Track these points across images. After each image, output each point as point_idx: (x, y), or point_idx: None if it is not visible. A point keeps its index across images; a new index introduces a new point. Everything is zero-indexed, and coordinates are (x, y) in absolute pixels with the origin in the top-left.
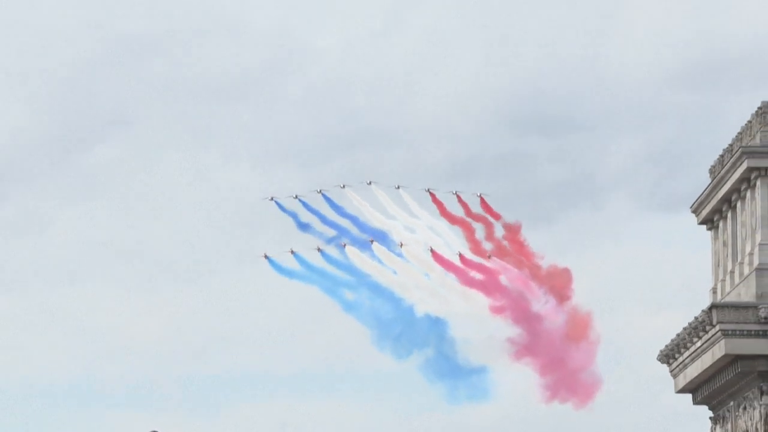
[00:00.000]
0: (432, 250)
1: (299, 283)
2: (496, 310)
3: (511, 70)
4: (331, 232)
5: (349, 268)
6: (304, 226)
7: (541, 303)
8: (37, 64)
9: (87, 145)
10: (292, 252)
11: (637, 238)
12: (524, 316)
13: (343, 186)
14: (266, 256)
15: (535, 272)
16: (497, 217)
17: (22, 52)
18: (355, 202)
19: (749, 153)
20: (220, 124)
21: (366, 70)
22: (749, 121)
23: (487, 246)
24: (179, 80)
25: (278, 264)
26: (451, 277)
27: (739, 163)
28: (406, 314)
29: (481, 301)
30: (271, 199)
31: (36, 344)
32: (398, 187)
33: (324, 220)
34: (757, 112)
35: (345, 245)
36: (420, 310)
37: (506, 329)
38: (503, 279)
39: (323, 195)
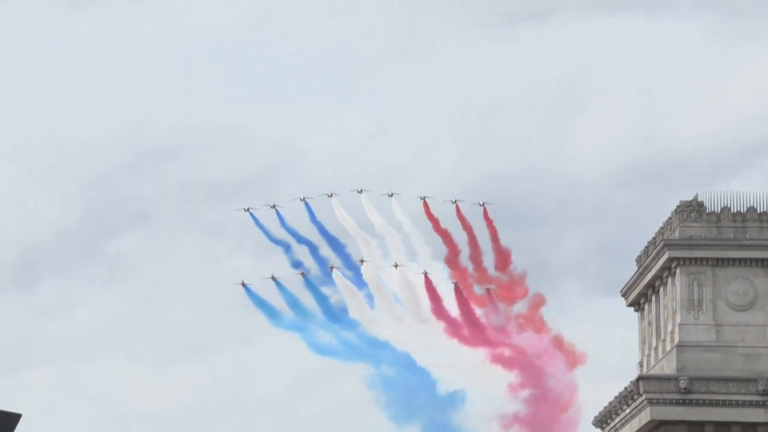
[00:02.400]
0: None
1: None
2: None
3: (483, 169)
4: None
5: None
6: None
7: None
8: (71, 168)
9: (112, 237)
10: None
11: (582, 318)
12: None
13: (330, 195)
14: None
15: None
16: (494, 231)
17: (59, 158)
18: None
19: (670, 245)
20: (228, 220)
21: (355, 170)
22: (670, 218)
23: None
24: (192, 183)
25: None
26: (479, 352)
27: (661, 253)
28: (428, 387)
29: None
30: (272, 278)
31: (64, 412)
32: (391, 195)
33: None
34: (676, 209)
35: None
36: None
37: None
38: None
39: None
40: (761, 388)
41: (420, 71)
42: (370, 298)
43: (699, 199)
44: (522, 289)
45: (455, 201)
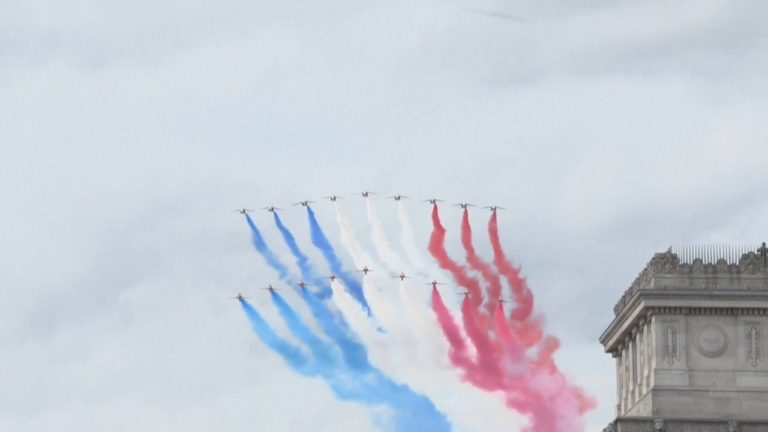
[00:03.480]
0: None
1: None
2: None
3: (476, 222)
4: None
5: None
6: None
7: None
8: (88, 221)
9: (125, 286)
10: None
11: (566, 364)
12: None
13: (334, 198)
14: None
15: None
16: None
17: (77, 211)
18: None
19: (646, 295)
20: (234, 269)
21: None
22: (646, 269)
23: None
24: (202, 234)
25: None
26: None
27: (638, 303)
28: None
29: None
30: (270, 288)
31: None
32: (398, 198)
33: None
34: (652, 261)
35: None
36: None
37: None
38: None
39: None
40: (731, 429)
41: (419, 130)
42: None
43: (673, 252)
44: (537, 332)
45: (464, 205)
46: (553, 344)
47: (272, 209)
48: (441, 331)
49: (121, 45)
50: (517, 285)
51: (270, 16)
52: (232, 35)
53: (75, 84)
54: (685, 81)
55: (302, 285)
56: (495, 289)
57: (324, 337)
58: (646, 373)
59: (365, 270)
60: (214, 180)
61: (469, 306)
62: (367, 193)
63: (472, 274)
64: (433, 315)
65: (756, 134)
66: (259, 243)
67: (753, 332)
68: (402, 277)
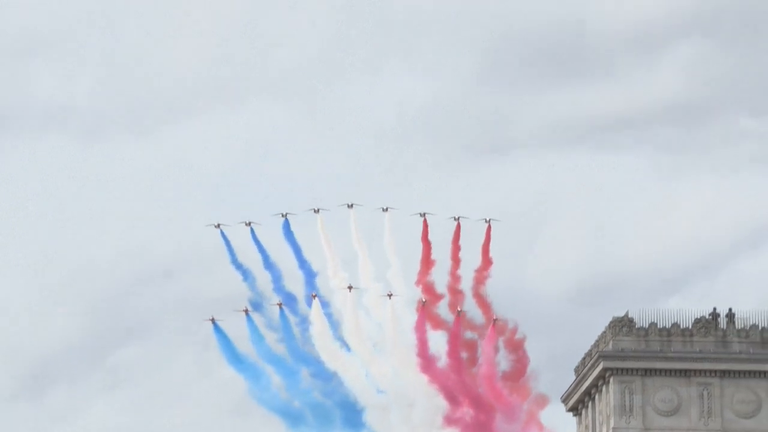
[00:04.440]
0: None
1: None
2: None
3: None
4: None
5: None
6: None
7: None
8: (79, 287)
9: (114, 349)
10: None
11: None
12: None
13: (317, 210)
14: None
15: None
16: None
17: (69, 277)
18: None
19: (604, 356)
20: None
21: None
22: (604, 332)
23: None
24: (188, 299)
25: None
26: None
27: (597, 364)
28: None
29: None
30: (245, 311)
31: None
32: (386, 209)
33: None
34: (610, 324)
35: None
36: None
37: None
38: None
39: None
40: None
41: (396, 198)
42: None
43: (630, 316)
44: (526, 389)
45: (457, 218)
46: (542, 401)
47: (249, 224)
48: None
49: (115, 118)
50: (514, 346)
51: (257, 90)
52: (220, 108)
53: (71, 155)
54: (646, 154)
55: (280, 306)
56: (490, 349)
57: (318, 397)
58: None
59: (349, 287)
60: (203, 246)
61: (460, 363)
62: (352, 204)
63: (468, 335)
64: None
65: (713, 205)
66: (235, 261)
67: (705, 393)
68: (390, 296)
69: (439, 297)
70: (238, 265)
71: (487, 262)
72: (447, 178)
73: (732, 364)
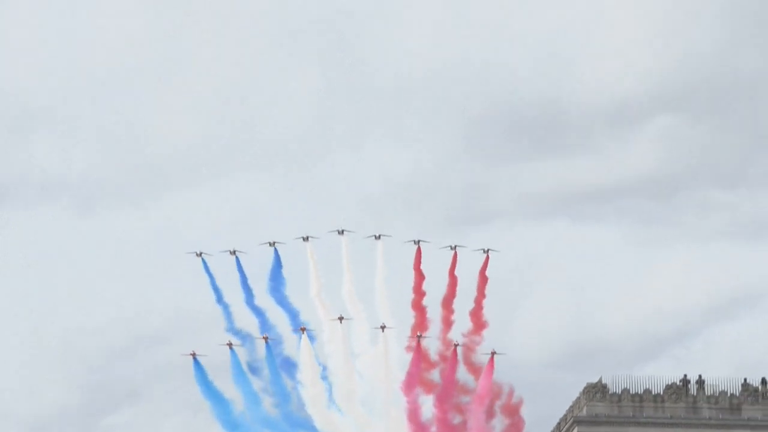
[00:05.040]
0: None
1: None
2: None
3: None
4: None
5: None
6: None
7: None
8: (74, 352)
9: (106, 413)
10: None
11: None
12: None
13: (307, 238)
14: None
15: None
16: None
17: (63, 342)
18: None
19: (578, 421)
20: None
21: None
22: (578, 397)
23: None
24: (179, 364)
25: None
26: None
27: (571, 429)
28: None
29: None
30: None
31: None
32: (378, 237)
33: None
34: (584, 390)
35: None
36: None
37: None
38: None
39: None
40: None
41: (381, 267)
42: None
43: (603, 382)
44: None
45: (454, 247)
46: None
47: (234, 252)
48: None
49: (108, 190)
50: (511, 410)
51: (245, 161)
52: (211, 179)
53: (66, 225)
54: (623, 225)
55: (266, 339)
56: (489, 415)
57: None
58: None
59: (340, 318)
60: (194, 313)
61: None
62: (342, 231)
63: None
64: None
65: (687, 274)
66: (217, 294)
67: None
68: (383, 328)
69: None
70: (236, 332)
71: (480, 324)
72: (427, 248)
73: (702, 429)
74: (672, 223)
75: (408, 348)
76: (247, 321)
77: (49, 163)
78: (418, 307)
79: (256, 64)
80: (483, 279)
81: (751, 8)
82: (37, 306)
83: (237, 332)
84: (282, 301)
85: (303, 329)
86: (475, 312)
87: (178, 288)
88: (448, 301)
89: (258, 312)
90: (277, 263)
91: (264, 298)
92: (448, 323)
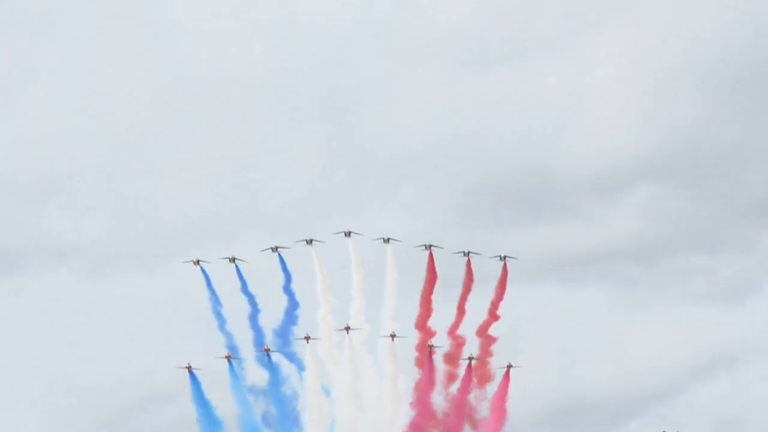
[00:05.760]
0: None
1: None
2: None
3: None
4: None
5: None
6: None
7: None
8: (84, 410)
9: None
10: None
11: None
12: None
13: (310, 241)
14: None
15: None
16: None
17: (74, 400)
18: None
19: None
20: None
21: None
22: None
23: None
24: (185, 421)
25: None
26: None
27: None
28: None
29: None
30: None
31: None
32: (387, 240)
33: None
34: None
35: None
36: None
37: None
38: None
39: None
40: None
41: (375, 321)
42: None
43: None
44: None
45: (467, 253)
46: None
47: (233, 260)
48: None
49: (119, 255)
50: None
51: (248, 228)
52: (214, 245)
53: (78, 289)
54: (608, 288)
55: (268, 351)
56: None
57: None
58: None
59: (347, 328)
60: (200, 372)
61: None
62: (350, 233)
63: None
64: None
65: (669, 335)
66: (216, 304)
67: None
68: (393, 336)
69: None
70: (241, 391)
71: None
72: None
73: None
74: (655, 287)
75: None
76: (259, 375)
77: (63, 230)
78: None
79: (260, 138)
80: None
81: (730, 85)
82: (50, 365)
83: (251, 389)
84: (292, 357)
85: (307, 338)
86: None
87: (185, 347)
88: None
89: (272, 368)
90: (291, 313)
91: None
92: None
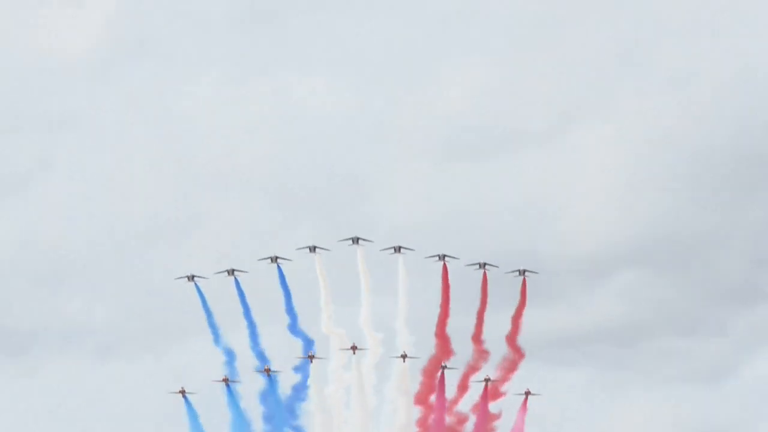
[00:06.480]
0: None
1: None
2: None
3: None
4: None
5: None
6: None
7: None
8: None
9: None
10: None
11: None
12: None
13: (313, 248)
14: None
15: None
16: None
17: None
18: None
19: None
20: None
21: None
22: None
23: None
24: None
25: None
26: None
27: None
28: None
29: None
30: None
31: None
32: (399, 250)
33: None
34: None
35: None
36: None
37: None
38: None
39: None
40: None
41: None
42: None
43: None
44: None
45: (484, 265)
46: None
47: (232, 272)
48: None
49: (127, 337)
50: None
51: (252, 313)
52: (222, 327)
53: (88, 370)
54: (590, 369)
55: (268, 372)
56: None
57: None
58: None
59: (353, 348)
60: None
61: None
62: (357, 240)
63: None
64: None
65: (649, 415)
66: (211, 323)
67: None
68: (404, 357)
69: None
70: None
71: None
72: None
73: None
74: (635, 368)
75: None
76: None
77: (73, 314)
78: None
79: (256, 222)
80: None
81: (706, 176)
82: None
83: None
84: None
85: (311, 356)
86: None
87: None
88: None
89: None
90: (301, 386)
91: None
92: None
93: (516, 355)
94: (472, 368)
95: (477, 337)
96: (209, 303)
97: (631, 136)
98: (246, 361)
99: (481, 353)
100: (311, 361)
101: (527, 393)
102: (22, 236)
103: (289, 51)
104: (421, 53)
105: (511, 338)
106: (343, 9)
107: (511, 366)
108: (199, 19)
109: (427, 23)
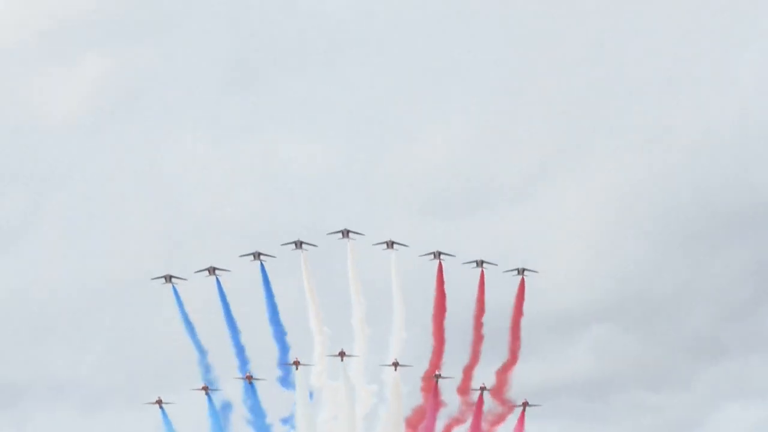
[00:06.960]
0: None
1: None
2: None
3: None
4: None
5: None
6: None
7: None
8: None
9: None
10: None
11: None
12: None
13: (299, 244)
14: None
15: None
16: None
17: None
18: None
19: None
20: None
21: None
22: None
23: None
24: None
25: None
26: None
27: None
28: None
29: None
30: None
31: None
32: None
33: None
34: None
35: None
36: None
37: None
38: None
39: None
40: None
41: None
42: None
43: None
44: None
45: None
46: None
47: (213, 270)
48: None
49: (113, 392)
50: None
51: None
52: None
53: (76, 422)
54: (562, 422)
55: (250, 379)
56: None
57: None
58: None
59: (341, 354)
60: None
61: None
62: (348, 232)
63: None
64: None
65: None
66: (189, 328)
67: None
68: (395, 365)
69: None
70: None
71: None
72: None
73: None
74: (605, 422)
75: None
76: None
77: (61, 366)
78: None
79: (250, 268)
80: None
81: (674, 232)
82: None
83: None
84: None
85: (297, 362)
86: None
87: None
88: None
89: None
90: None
91: None
92: None
93: (505, 408)
94: (456, 420)
95: (464, 389)
96: (185, 307)
97: (601, 197)
98: (228, 371)
99: (468, 406)
100: (296, 368)
101: None
102: (9, 290)
103: (275, 110)
104: (399, 111)
105: (498, 392)
106: (328, 69)
107: (497, 419)
108: (186, 80)
109: (401, 84)
